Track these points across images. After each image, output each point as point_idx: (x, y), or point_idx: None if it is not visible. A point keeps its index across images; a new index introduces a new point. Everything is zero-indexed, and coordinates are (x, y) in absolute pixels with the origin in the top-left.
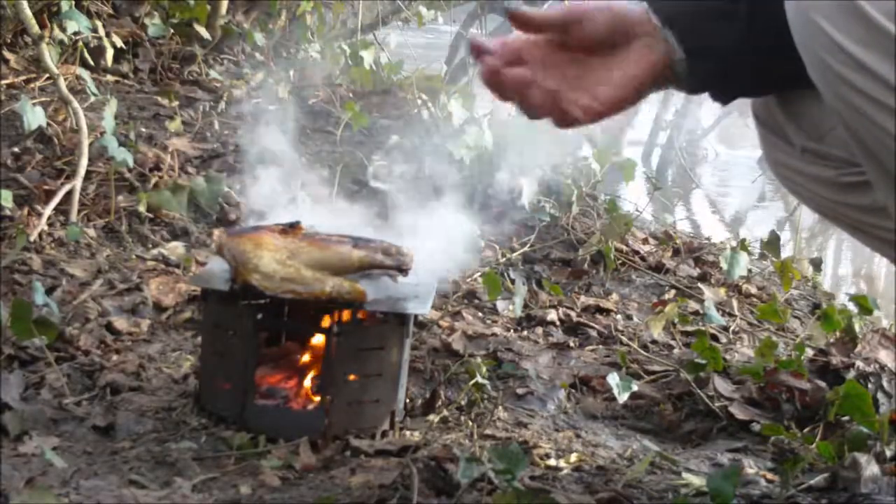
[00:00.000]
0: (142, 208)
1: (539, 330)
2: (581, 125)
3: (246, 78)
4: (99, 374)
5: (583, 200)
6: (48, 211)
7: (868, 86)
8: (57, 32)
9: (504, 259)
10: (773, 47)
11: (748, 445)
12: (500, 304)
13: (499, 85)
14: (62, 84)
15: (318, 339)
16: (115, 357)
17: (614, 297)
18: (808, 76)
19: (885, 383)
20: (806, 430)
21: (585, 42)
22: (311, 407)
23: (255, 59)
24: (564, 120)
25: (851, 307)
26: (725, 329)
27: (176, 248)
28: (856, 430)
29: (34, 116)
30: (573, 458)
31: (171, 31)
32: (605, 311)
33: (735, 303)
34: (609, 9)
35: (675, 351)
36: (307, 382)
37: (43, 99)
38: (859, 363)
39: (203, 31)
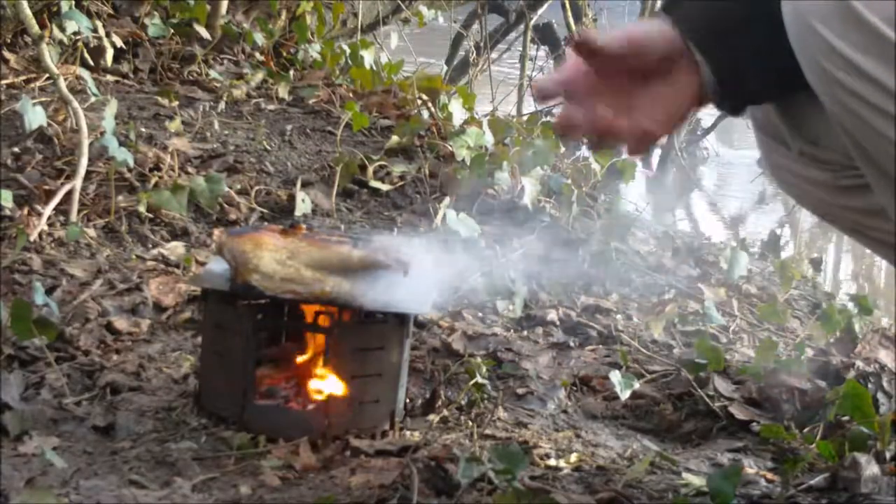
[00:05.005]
0: (142, 208)
1: (539, 330)
2: (648, 147)
3: (246, 78)
4: (99, 374)
5: (583, 200)
6: (48, 211)
7: (866, 91)
8: (57, 32)
9: (504, 259)
10: (788, 49)
11: (748, 445)
12: (500, 304)
13: (575, 129)
14: (62, 84)
15: (318, 340)
16: (115, 357)
17: (614, 297)
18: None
19: (885, 383)
20: (806, 430)
21: (638, 69)
22: (311, 407)
23: (255, 58)
24: (642, 142)
25: (851, 307)
26: (725, 329)
27: (176, 248)
28: (856, 430)
29: (35, 116)
30: (573, 458)
31: (171, 31)
32: (605, 311)
33: (735, 303)
34: (661, 35)
35: (675, 351)
36: (307, 382)
37: (43, 99)
38: (859, 363)
39: (203, 31)
